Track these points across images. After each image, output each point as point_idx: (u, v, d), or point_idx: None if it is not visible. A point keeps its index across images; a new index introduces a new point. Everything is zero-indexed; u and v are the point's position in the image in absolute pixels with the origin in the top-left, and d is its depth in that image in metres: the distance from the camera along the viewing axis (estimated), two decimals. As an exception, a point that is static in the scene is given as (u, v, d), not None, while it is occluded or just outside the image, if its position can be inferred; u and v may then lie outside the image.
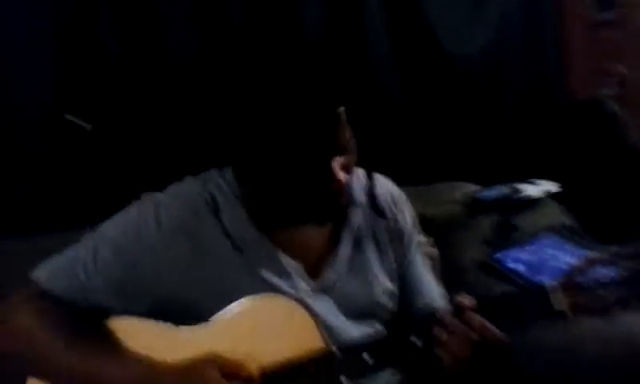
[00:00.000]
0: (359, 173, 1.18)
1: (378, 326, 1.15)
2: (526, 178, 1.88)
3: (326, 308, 1.11)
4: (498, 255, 1.54)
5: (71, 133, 1.81)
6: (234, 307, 1.06)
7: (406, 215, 1.26)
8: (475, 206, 1.80)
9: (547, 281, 1.02)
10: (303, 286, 1.11)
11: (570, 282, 1.01)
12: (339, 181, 1.01)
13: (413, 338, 1.02)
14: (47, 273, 1.08)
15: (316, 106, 0.99)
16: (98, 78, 1.85)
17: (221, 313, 1.06)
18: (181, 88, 1.91)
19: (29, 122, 1.77)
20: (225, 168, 1.14)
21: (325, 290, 1.13)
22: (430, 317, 1.05)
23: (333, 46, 1.17)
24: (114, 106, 1.86)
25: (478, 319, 1.00)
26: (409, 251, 1.25)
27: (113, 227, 1.10)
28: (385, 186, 1.26)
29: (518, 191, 1.76)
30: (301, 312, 1.06)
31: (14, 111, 1.74)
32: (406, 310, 1.23)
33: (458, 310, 1.01)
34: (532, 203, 1.77)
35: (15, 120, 1.75)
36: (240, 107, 1.02)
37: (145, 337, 1.07)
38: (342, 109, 1.02)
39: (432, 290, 1.27)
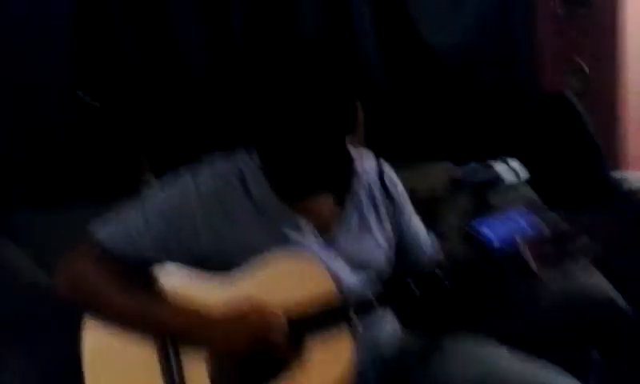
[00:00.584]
0: (363, 151, 1.38)
1: (373, 277, 1.34)
2: (497, 156, 2.07)
3: (333, 260, 1.31)
4: (476, 225, 1.74)
5: (82, 109, 1.94)
6: (261, 260, 1.24)
7: (399, 188, 1.47)
8: (454, 184, 2.00)
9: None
10: (315, 241, 1.31)
11: (536, 240, 1.21)
12: (350, 155, 1.22)
13: (409, 281, 1.23)
14: (104, 231, 1.27)
15: (334, 96, 1.20)
16: (109, 58, 1.96)
17: (251, 264, 1.25)
18: (191, 74, 2.04)
19: (43, 98, 1.87)
20: (250, 148, 1.32)
21: (332, 246, 1.33)
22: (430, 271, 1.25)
23: (325, 39, 1.32)
24: (125, 87, 1.98)
25: None
26: (404, 215, 1.47)
27: (159, 196, 1.30)
28: (380, 162, 1.47)
29: (492, 170, 1.96)
30: (317, 263, 1.25)
31: (30, 87, 1.84)
32: (406, 260, 1.44)
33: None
34: (505, 181, 1.97)
35: (31, 95, 1.85)
36: (272, 100, 1.21)
37: (186, 284, 1.26)
38: (355, 101, 1.22)
39: (428, 243, 1.50)
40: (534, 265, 1.21)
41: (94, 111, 1.93)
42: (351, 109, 1.23)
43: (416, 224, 1.51)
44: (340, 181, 1.33)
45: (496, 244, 1.37)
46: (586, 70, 2.56)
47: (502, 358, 1.31)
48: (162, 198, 1.29)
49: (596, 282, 1.65)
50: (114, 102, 1.95)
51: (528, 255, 1.21)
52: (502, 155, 2.10)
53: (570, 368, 1.29)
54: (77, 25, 1.92)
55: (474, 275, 1.24)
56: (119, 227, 1.28)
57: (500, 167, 2.00)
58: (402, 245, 1.47)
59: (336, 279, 1.26)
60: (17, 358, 1.41)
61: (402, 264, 1.43)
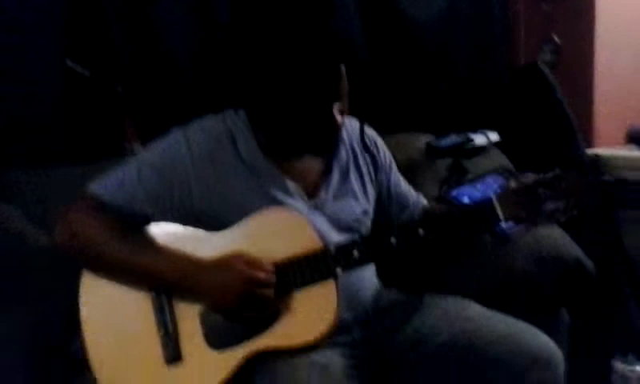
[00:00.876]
0: (347, 117, 1.44)
1: (356, 237, 1.41)
2: (475, 129, 2.16)
3: (319, 221, 1.38)
4: (453, 192, 1.81)
5: (71, 76, 1.97)
6: (250, 217, 1.31)
7: (385, 153, 1.55)
8: (432, 152, 2.09)
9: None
10: (302, 203, 1.38)
11: (509, 198, 1.30)
12: (337, 120, 1.28)
13: (392, 240, 1.30)
14: (100, 186, 1.32)
15: (323, 63, 1.24)
16: (98, 29, 1.99)
17: (240, 221, 1.31)
18: (178, 41, 2.08)
19: (33, 64, 1.90)
20: (238, 109, 1.38)
21: (317, 207, 1.40)
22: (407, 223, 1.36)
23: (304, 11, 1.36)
24: (113, 56, 2.01)
25: None
26: (390, 176, 1.55)
27: (152, 152, 1.35)
28: (370, 132, 1.55)
29: (468, 139, 2.05)
30: (302, 219, 1.32)
31: (20, 53, 1.88)
32: (391, 215, 1.54)
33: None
34: (479, 150, 2.06)
35: (21, 61, 1.88)
36: (261, 66, 1.25)
37: (179, 238, 1.32)
38: (342, 66, 1.27)
39: (416, 202, 1.60)
40: (501, 214, 1.30)
41: (82, 79, 1.95)
42: (336, 75, 1.28)
43: (402, 183, 1.60)
44: (326, 144, 1.39)
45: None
46: (559, 43, 2.64)
47: (479, 314, 1.39)
48: (156, 155, 1.34)
49: (565, 244, 1.74)
50: (102, 70, 1.98)
51: (497, 206, 1.30)
52: (481, 128, 2.18)
53: (539, 327, 1.37)
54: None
55: (449, 229, 1.32)
56: (114, 182, 1.33)
57: (477, 135, 2.08)
58: (390, 204, 1.55)
59: (322, 237, 1.33)
60: (9, 312, 1.45)
61: (387, 218, 1.51)
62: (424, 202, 1.62)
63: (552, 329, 1.44)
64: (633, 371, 1.31)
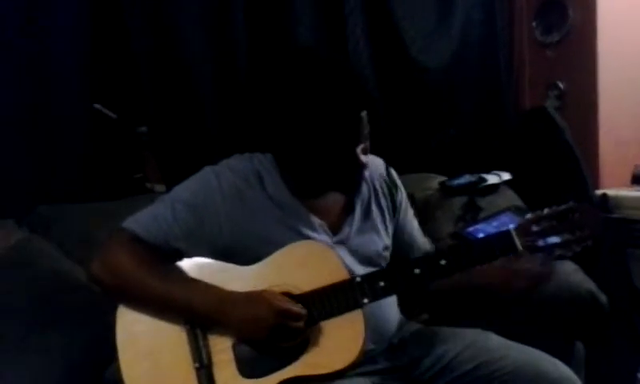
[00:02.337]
0: (372, 157, 1.51)
1: (382, 268, 1.47)
2: (487, 170, 2.24)
3: (343, 255, 1.43)
4: (469, 228, 1.88)
5: (99, 119, 2.06)
6: (279, 250, 1.37)
7: (401, 190, 1.62)
8: (446, 191, 2.16)
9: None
10: (326, 238, 1.44)
11: (526, 229, 1.36)
12: (361, 161, 1.35)
13: (416, 270, 1.36)
14: (136, 223, 1.37)
15: (346, 110, 1.32)
16: (124, 74, 2.10)
17: (269, 255, 1.37)
18: (201, 89, 2.18)
19: (66, 110, 2.01)
20: (266, 152, 1.46)
21: (341, 242, 1.46)
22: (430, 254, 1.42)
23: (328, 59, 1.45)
24: (139, 100, 2.11)
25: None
26: (406, 217, 1.61)
27: (185, 189, 1.41)
28: (385, 167, 1.61)
29: (481, 179, 2.13)
30: (329, 252, 1.38)
31: (55, 101, 1.98)
32: (402, 256, 1.58)
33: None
34: (492, 189, 2.14)
35: (55, 108, 1.98)
36: (286, 113, 1.34)
37: (211, 272, 1.37)
38: (364, 112, 1.35)
39: (422, 243, 1.65)
40: (519, 244, 1.35)
41: (109, 120, 2.04)
42: (359, 120, 1.36)
43: (415, 225, 1.65)
44: (350, 184, 1.46)
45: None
46: (563, 88, 2.74)
47: (500, 345, 1.44)
48: (188, 192, 1.40)
49: (579, 278, 1.80)
50: (128, 113, 2.07)
51: (515, 237, 1.36)
52: (492, 169, 2.26)
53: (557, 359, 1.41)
54: (96, 46, 2.08)
55: (470, 259, 1.37)
56: (149, 218, 1.38)
57: (489, 176, 2.16)
58: (401, 242, 1.60)
59: (349, 270, 1.39)
60: (45, 342, 1.50)
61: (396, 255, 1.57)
62: (429, 247, 1.67)
63: (568, 361, 1.48)
64: None
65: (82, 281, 1.59)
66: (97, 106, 2.07)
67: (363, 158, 1.38)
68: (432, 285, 1.48)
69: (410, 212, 1.65)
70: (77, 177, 2.02)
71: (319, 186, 1.44)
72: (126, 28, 2.08)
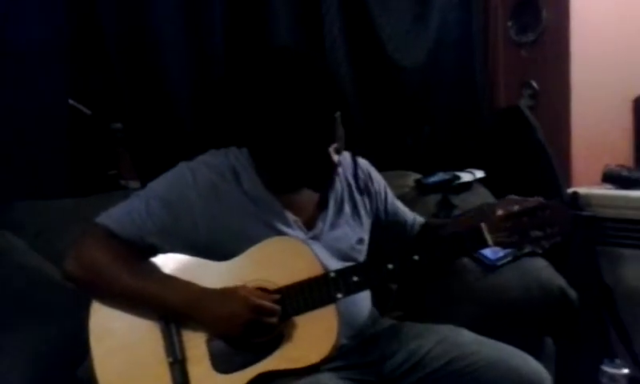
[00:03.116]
0: (344, 154, 1.53)
1: (356, 263, 1.48)
2: (461, 168, 2.27)
3: (318, 250, 1.45)
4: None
5: (74, 115, 2.05)
6: (254, 246, 1.37)
7: (377, 181, 1.64)
8: (421, 189, 2.18)
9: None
10: (301, 233, 1.45)
11: (496, 225, 1.39)
12: (333, 160, 1.36)
13: (389, 266, 1.38)
14: (110, 218, 1.37)
15: (320, 110, 1.34)
16: (100, 70, 2.09)
17: (244, 251, 1.37)
18: (177, 87, 2.18)
19: (40, 105, 1.99)
20: (241, 147, 1.46)
21: (315, 238, 1.48)
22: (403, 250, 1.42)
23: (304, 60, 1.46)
24: (114, 96, 2.10)
25: None
26: (386, 202, 1.64)
27: (160, 185, 1.41)
28: (359, 161, 1.63)
29: (455, 176, 2.15)
30: (303, 247, 1.40)
31: (29, 96, 1.97)
32: (399, 235, 1.63)
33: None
34: (466, 186, 2.17)
35: (29, 102, 1.97)
36: (262, 112, 1.35)
37: (186, 268, 1.37)
38: (338, 113, 1.36)
39: (413, 218, 1.70)
40: (489, 239, 1.38)
41: (84, 117, 2.03)
42: (332, 121, 1.37)
43: (399, 205, 1.70)
44: (321, 182, 1.47)
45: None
46: (537, 88, 2.78)
47: (472, 340, 1.46)
48: (163, 188, 1.41)
49: (550, 274, 1.83)
50: (103, 109, 2.06)
51: (485, 231, 1.38)
52: (466, 167, 2.29)
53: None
54: (71, 43, 2.07)
55: (441, 253, 1.41)
56: (123, 213, 1.38)
57: (464, 174, 2.19)
58: (393, 224, 1.66)
59: (323, 265, 1.40)
60: (15, 339, 1.49)
61: (388, 239, 1.62)
62: (421, 220, 1.71)
63: (538, 356, 1.50)
64: (620, 374, 1.38)
65: (55, 277, 1.58)
66: (71, 102, 2.05)
67: (335, 157, 1.39)
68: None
69: (391, 195, 1.68)
70: (51, 173, 2.01)
71: (292, 183, 1.45)
72: (100, 24, 2.07)
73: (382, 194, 1.64)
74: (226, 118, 1.79)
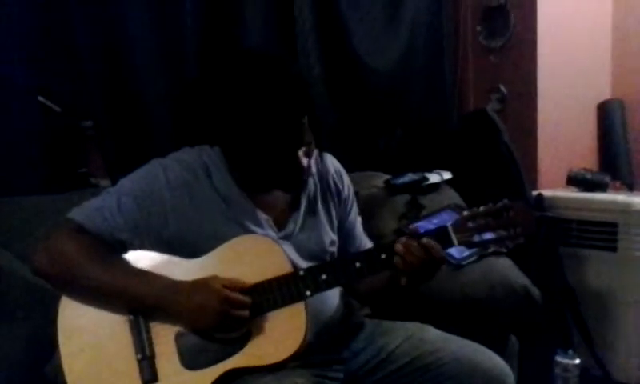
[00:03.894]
0: (315, 153, 1.54)
1: (324, 261, 1.51)
2: (430, 169, 2.31)
3: (288, 250, 1.46)
4: (411, 225, 1.93)
5: (44, 113, 2.04)
6: (224, 244, 1.39)
7: (348, 186, 1.65)
8: (390, 189, 2.22)
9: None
10: (272, 233, 1.47)
11: (462, 225, 1.42)
12: (302, 164, 1.39)
13: (357, 264, 1.40)
14: (81, 213, 1.37)
15: (290, 116, 1.35)
16: (69, 67, 2.07)
17: (214, 248, 1.39)
18: (148, 82, 2.18)
19: (8, 101, 1.97)
20: (214, 146, 1.47)
21: (286, 238, 1.49)
22: (371, 249, 1.45)
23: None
24: (83, 93, 2.09)
25: (427, 240, 1.38)
26: (349, 213, 1.65)
27: (131, 181, 1.41)
28: (332, 163, 1.64)
29: (424, 178, 2.20)
30: (274, 246, 1.41)
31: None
32: (344, 251, 1.61)
33: (411, 235, 1.40)
34: (434, 187, 2.21)
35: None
36: (232, 115, 1.36)
37: (156, 264, 1.38)
38: (305, 117, 1.38)
39: (364, 241, 1.67)
40: (455, 239, 1.41)
41: (54, 114, 2.02)
42: (300, 126, 1.37)
43: (357, 223, 1.69)
44: (290, 183, 1.48)
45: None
46: (505, 92, 2.84)
47: (437, 337, 1.49)
48: (135, 184, 1.41)
49: (514, 273, 1.88)
50: (73, 107, 2.05)
51: (451, 232, 1.42)
52: (435, 168, 2.33)
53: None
54: (41, 40, 2.05)
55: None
56: (94, 209, 1.38)
57: (432, 174, 2.23)
58: (342, 234, 1.64)
59: (293, 264, 1.42)
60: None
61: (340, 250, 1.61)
62: (369, 245, 1.68)
63: (503, 354, 1.54)
64: (572, 364, 1.43)
65: (23, 276, 1.57)
66: (41, 99, 2.03)
67: (304, 160, 1.40)
68: (358, 288, 1.57)
69: (355, 208, 1.68)
70: (20, 171, 1.99)
71: (262, 183, 1.46)
72: (71, 20, 2.06)
73: (349, 202, 1.65)
74: (197, 116, 1.79)
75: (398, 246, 1.38)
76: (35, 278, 1.38)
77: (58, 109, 2.06)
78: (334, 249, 1.58)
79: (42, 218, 1.62)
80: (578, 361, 1.46)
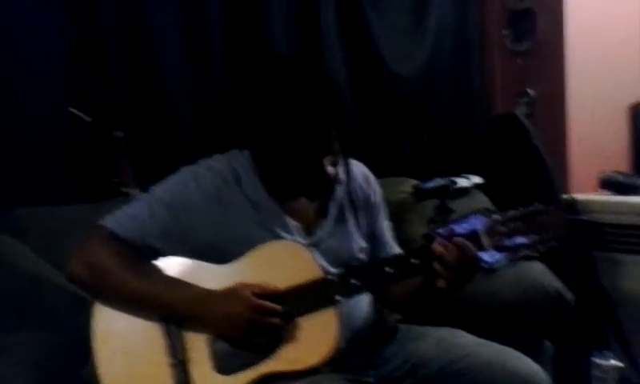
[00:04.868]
0: (352, 161, 1.55)
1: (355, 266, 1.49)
2: (458, 174, 2.29)
3: (317, 258, 1.45)
4: (440, 230, 1.92)
5: (75, 123, 2.07)
6: (254, 249, 1.39)
7: (376, 193, 1.64)
8: (419, 194, 2.21)
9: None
10: (300, 240, 1.46)
11: (493, 229, 1.40)
12: (327, 173, 1.38)
13: (388, 269, 1.39)
14: (114, 221, 1.39)
15: (319, 123, 1.35)
16: (100, 78, 2.11)
17: (245, 254, 1.39)
18: (177, 91, 2.22)
19: (42, 112, 2.01)
20: (243, 150, 1.48)
21: (315, 244, 1.48)
22: (399, 255, 1.44)
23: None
24: (114, 102, 2.13)
25: (460, 239, 1.37)
26: (377, 219, 1.64)
27: (162, 189, 1.43)
28: (361, 170, 1.63)
29: (452, 182, 2.18)
30: (304, 251, 1.41)
31: (30, 103, 1.99)
32: (374, 258, 1.59)
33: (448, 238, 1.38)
34: (463, 192, 2.19)
35: (30, 109, 1.99)
36: (261, 121, 1.37)
37: (187, 271, 1.39)
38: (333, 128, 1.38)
39: (393, 247, 1.65)
40: (485, 243, 1.40)
41: (85, 124, 2.05)
42: (327, 137, 1.37)
43: (385, 229, 1.68)
44: (318, 191, 1.48)
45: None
46: (534, 95, 2.81)
47: (470, 342, 1.47)
48: (166, 192, 1.42)
49: (547, 277, 1.85)
50: (103, 117, 2.08)
51: (482, 236, 1.40)
52: (464, 173, 2.32)
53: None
54: (71, 51, 2.09)
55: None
56: (127, 216, 1.40)
57: (461, 179, 2.21)
58: (372, 242, 1.62)
59: (323, 268, 1.42)
60: (20, 344, 1.51)
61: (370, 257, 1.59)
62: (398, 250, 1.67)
63: (537, 359, 1.52)
64: (610, 365, 1.40)
65: (57, 281, 1.60)
66: (72, 109, 2.07)
67: (330, 168, 1.40)
68: (389, 294, 1.56)
69: (384, 215, 1.67)
70: (52, 180, 2.03)
71: (287, 189, 1.46)
72: (101, 31, 2.09)
73: (377, 208, 1.64)
74: (226, 121, 1.80)
75: (437, 247, 1.37)
76: (70, 284, 1.41)
77: (88, 119, 2.08)
78: (363, 256, 1.57)
79: (75, 227, 1.63)
80: (615, 362, 1.43)
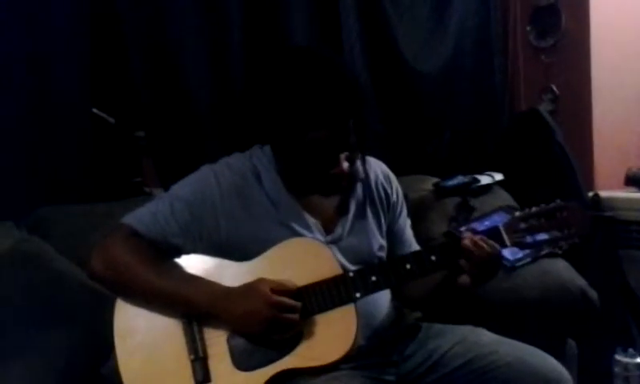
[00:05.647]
0: (371, 159, 1.55)
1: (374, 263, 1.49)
2: (480, 171, 2.28)
3: (336, 255, 1.45)
4: (461, 228, 1.91)
5: (98, 124, 2.11)
6: (274, 247, 1.40)
7: (397, 191, 1.63)
8: (440, 192, 2.19)
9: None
10: (320, 237, 1.46)
11: (514, 226, 1.39)
12: (342, 169, 1.37)
13: (407, 266, 1.39)
14: (135, 219, 1.40)
15: (335, 118, 1.33)
16: (122, 81, 2.14)
17: (264, 251, 1.40)
18: (197, 92, 2.23)
19: (65, 113, 2.05)
20: (264, 146, 1.48)
21: (334, 241, 1.48)
22: (419, 251, 1.43)
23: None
24: (136, 103, 2.15)
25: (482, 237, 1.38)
26: (398, 217, 1.63)
27: (183, 187, 1.44)
28: (381, 168, 1.63)
29: (474, 179, 2.16)
30: (323, 248, 1.41)
31: (54, 105, 2.03)
32: (394, 256, 1.59)
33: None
34: (485, 189, 2.17)
35: (54, 111, 2.02)
36: (281, 113, 1.35)
37: (208, 268, 1.40)
38: (351, 121, 1.36)
39: (413, 246, 1.65)
40: (507, 240, 1.39)
41: (107, 125, 2.08)
42: (345, 130, 1.34)
43: (406, 227, 1.67)
44: (332, 188, 1.46)
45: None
46: (558, 93, 2.78)
47: (492, 340, 1.45)
48: (187, 190, 1.44)
49: (570, 275, 1.82)
50: (126, 117, 2.11)
51: (503, 232, 1.39)
52: (486, 171, 2.30)
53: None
54: (94, 52, 2.13)
55: (457, 256, 1.40)
56: (148, 214, 1.41)
57: (482, 176, 2.19)
58: (391, 239, 1.62)
59: (342, 265, 1.41)
60: (43, 341, 1.53)
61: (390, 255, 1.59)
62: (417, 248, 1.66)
63: (560, 358, 1.49)
64: (634, 363, 1.38)
65: (81, 280, 1.62)
66: (95, 110, 2.10)
67: (345, 164, 1.37)
68: (407, 292, 1.56)
69: (404, 213, 1.66)
70: (75, 180, 2.06)
71: (303, 185, 1.45)
72: (122, 33, 2.12)
73: (399, 206, 1.63)
74: (247, 115, 1.80)
75: (466, 242, 1.36)
76: (91, 281, 1.43)
77: (111, 120, 2.12)
78: (382, 253, 1.56)
79: (98, 225, 1.67)
80: (639, 359, 1.41)
